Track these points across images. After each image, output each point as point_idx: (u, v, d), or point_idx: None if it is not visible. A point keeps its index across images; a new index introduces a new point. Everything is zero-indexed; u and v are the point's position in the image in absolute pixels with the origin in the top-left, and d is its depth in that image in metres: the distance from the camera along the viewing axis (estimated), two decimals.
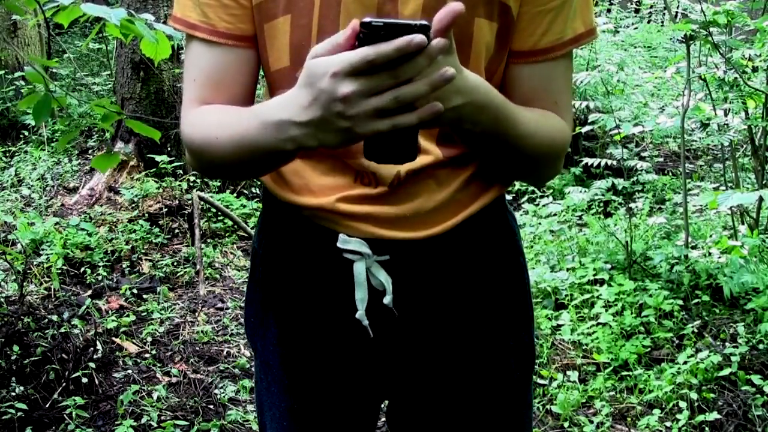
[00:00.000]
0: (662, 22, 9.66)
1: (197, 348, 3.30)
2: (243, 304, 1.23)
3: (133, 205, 4.71)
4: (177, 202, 4.69)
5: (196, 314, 3.64)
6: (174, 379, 3.03)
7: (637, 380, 2.92)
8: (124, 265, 4.10)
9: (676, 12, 4.72)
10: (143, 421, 2.70)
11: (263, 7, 1.02)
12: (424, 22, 0.80)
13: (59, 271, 3.86)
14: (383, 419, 1.92)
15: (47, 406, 2.74)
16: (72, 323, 3.23)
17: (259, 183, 4.14)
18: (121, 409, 2.74)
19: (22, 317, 3.08)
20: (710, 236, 3.89)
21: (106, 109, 2.22)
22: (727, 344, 2.99)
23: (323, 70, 0.81)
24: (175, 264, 4.16)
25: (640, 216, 4.54)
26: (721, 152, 4.50)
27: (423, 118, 0.83)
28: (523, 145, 1.02)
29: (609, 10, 8.35)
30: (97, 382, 2.93)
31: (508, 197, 4.84)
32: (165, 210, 4.62)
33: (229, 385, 2.98)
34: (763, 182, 3.72)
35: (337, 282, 1.08)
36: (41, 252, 4.00)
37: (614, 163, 4.24)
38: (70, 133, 4.75)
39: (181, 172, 5.05)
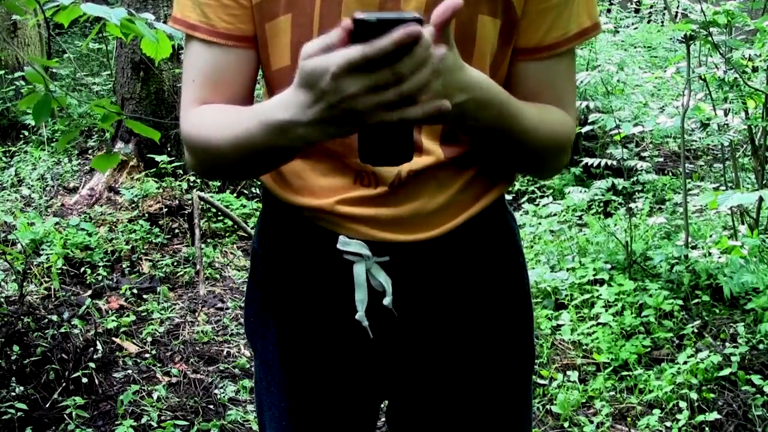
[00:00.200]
0: (662, 22, 9.66)
1: (197, 348, 3.30)
2: (243, 304, 1.23)
3: (133, 205, 4.71)
4: (177, 202, 4.69)
5: (196, 314, 3.64)
6: (174, 379, 3.03)
7: (637, 380, 2.92)
8: (124, 265, 4.10)
9: (676, 12, 4.72)
10: (143, 421, 2.70)
11: (264, 6, 1.01)
12: (417, 15, 0.79)
13: (59, 271, 3.86)
14: (383, 419, 1.92)
15: (47, 406, 2.74)
16: (72, 323, 3.23)
17: (259, 183, 4.14)
18: (121, 409, 2.74)
19: (22, 317, 3.08)
20: (710, 236, 3.89)
21: (106, 109, 2.22)
22: (727, 344, 2.99)
23: (322, 70, 0.80)
24: (175, 264, 4.16)
25: (640, 216, 4.53)
26: (721, 152, 4.50)
27: (428, 113, 0.82)
28: (527, 140, 1.02)
29: (609, 10, 8.35)
30: (97, 382, 2.93)
31: (508, 197, 4.84)
32: (165, 210, 4.62)
33: (229, 385, 2.98)
34: (763, 182, 3.72)
35: (337, 283, 1.08)
36: (41, 252, 4.01)
37: (614, 163, 4.25)
38: (70, 133, 4.74)
39: (181, 172, 5.05)
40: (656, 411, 2.74)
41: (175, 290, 3.93)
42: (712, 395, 2.74)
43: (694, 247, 3.60)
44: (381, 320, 1.08)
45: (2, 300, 3.32)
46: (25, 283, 3.44)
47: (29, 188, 5.29)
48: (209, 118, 1.02)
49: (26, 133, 6.31)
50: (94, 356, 3.05)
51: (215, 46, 1.04)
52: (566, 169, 5.56)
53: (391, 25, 0.78)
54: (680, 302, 3.25)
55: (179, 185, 4.85)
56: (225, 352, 3.29)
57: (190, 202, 4.61)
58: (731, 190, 3.17)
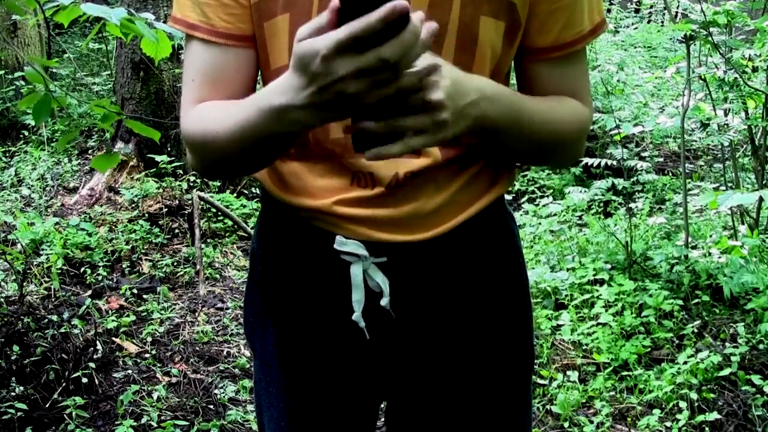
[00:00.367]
0: (662, 22, 9.67)
1: (197, 348, 3.30)
2: (243, 305, 1.23)
3: (133, 205, 4.71)
4: (177, 202, 4.69)
5: (196, 314, 3.64)
6: (174, 379, 3.03)
7: (637, 380, 2.92)
8: (124, 265, 4.10)
9: (676, 12, 4.72)
10: (143, 421, 2.70)
11: (262, 5, 1.02)
12: None
13: (59, 271, 3.86)
14: (383, 419, 1.92)
15: (47, 406, 2.74)
16: (72, 323, 3.22)
17: (258, 183, 4.15)
18: (121, 409, 2.74)
19: (22, 317, 3.08)
20: (710, 236, 3.88)
21: (106, 109, 2.21)
22: (727, 344, 2.98)
23: (313, 53, 0.80)
24: (175, 264, 4.16)
25: (640, 216, 4.53)
26: (721, 152, 4.50)
27: (423, 74, 0.83)
28: (542, 127, 1.03)
29: (609, 10, 8.35)
30: (97, 382, 2.93)
31: (508, 197, 4.84)
32: (165, 210, 4.62)
33: (229, 385, 2.98)
34: (763, 182, 3.72)
35: (335, 283, 1.08)
36: (41, 252, 4.00)
37: (614, 163, 4.24)
38: (70, 133, 4.75)
39: (181, 172, 5.05)
40: (656, 411, 2.74)
41: (175, 290, 3.93)
42: (712, 395, 2.74)
43: (694, 247, 3.60)
44: (379, 321, 1.08)
45: (2, 300, 3.32)
46: (25, 283, 3.44)
47: (29, 188, 5.29)
48: (208, 114, 1.02)
49: (26, 133, 6.30)
50: (94, 356, 3.05)
51: (215, 46, 1.04)
52: (566, 169, 5.56)
53: (378, 4, 0.78)
54: (680, 302, 3.25)
55: (179, 185, 4.85)
56: (225, 352, 3.29)
57: (190, 202, 4.60)
58: (731, 190, 3.17)
